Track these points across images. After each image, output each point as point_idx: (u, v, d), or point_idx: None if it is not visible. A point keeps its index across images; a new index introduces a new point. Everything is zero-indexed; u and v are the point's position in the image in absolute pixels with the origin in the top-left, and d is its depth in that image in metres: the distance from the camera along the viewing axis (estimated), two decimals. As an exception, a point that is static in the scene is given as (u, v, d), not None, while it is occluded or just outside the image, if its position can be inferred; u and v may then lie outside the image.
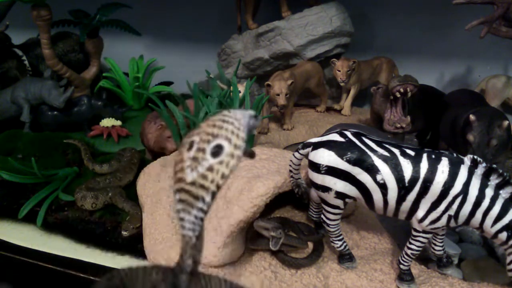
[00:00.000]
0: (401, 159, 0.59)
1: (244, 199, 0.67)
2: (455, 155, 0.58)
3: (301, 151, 0.66)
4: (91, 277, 0.77)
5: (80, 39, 1.39)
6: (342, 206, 0.64)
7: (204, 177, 0.33)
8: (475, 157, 0.57)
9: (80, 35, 1.36)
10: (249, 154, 0.38)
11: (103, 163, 1.05)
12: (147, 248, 0.77)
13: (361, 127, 0.98)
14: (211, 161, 0.33)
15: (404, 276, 0.63)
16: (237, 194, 0.68)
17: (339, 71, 1.22)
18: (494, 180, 0.56)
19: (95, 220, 0.90)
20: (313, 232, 0.74)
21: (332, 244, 0.68)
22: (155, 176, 0.93)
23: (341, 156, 0.60)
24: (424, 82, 1.09)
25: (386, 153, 0.59)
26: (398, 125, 1.00)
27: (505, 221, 0.56)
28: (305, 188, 0.70)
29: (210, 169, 0.33)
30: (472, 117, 0.82)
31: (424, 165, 0.58)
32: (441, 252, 0.67)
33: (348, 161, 0.60)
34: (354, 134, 0.62)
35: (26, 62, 1.40)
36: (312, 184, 0.64)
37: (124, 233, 0.81)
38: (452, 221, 0.58)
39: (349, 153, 0.60)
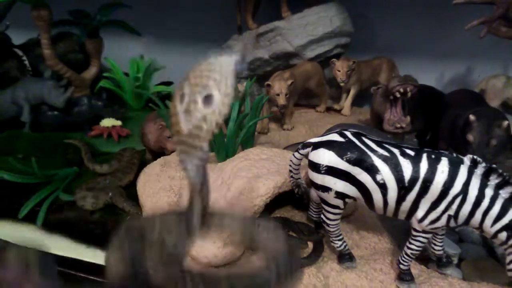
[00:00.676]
0: (401, 159, 0.59)
1: (244, 199, 0.67)
2: (454, 155, 0.58)
3: (301, 151, 0.66)
4: (91, 277, 0.77)
5: (80, 39, 1.39)
6: (342, 206, 0.64)
7: (199, 127, 0.34)
8: (475, 157, 0.57)
9: (80, 35, 1.36)
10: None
11: (103, 163, 1.05)
12: (147, 248, 0.77)
13: (361, 127, 0.98)
14: (203, 111, 0.34)
15: (404, 276, 0.63)
16: (237, 194, 0.68)
17: (339, 71, 1.22)
18: (493, 180, 0.57)
19: (95, 220, 0.90)
20: (313, 232, 0.74)
21: (332, 244, 0.68)
22: (155, 176, 0.93)
23: (341, 156, 0.60)
24: (424, 82, 1.09)
25: (386, 153, 0.59)
26: (398, 125, 1.00)
27: (504, 221, 0.56)
28: (305, 188, 0.70)
29: (204, 119, 0.34)
30: (472, 117, 0.82)
31: (424, 165, 0.58)
32: (441, 252, 0.67)
33: (348, 161, 0.60)
34: (354, 134, 0.62)
35: (26, 62, 1.41)
36: (312, 184, 0.64)
37: (124, 233, 0.81)
38: (452, 221, 0.58)
39: (349, 153, 0.60)
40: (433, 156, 0.58)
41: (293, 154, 0.67)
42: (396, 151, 0.60)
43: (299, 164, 0.68)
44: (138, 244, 0.37)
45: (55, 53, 1.32)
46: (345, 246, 0.67)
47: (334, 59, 1.23)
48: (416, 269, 0.67)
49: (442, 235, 0.66)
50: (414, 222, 0.60)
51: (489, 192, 0.56)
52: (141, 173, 0.99)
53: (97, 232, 0.88)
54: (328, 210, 0.65)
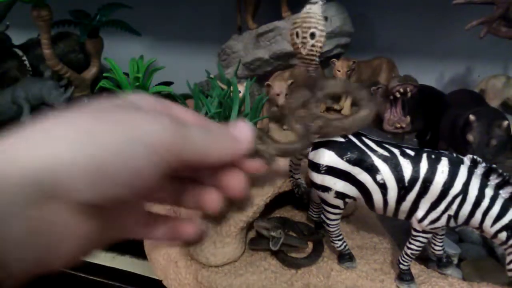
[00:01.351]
0: (401, 159, 0.59)
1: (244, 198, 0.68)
2: (454, 155, 0.58)
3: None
4: (91, 277, 0.77)
5: (80, 39, 1.39)
6: (342, 206, 0.64)
7: (311, 49, 0.67)
8: (475, 157, 0.57)
9: (80, 36, 1.36)
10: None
11: (103, 163, 1.05)
12: (147, 248, 0.77)
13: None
14: (311, 41, 0.65)
15: (404, 275, 0.63)
16: (237, 194, 0.68)
17: (339, 71, 1.22)
18: (493, 180, 0.57)
19: (95, 220, 0.90)
20: (313, 232, 0.74)
21: (332, 244, 0.68)
22: (155, 176, 0.93)
23: (341, 156, 0.60)
24: (424, 82, 1.09)
25: (386, 153, 0.60)
26: (398, 125, 1.00)
27: (504, 221, 0.56)
28: (305, 188, 0.70)
29: (313, 45, 0.65)
30: (471, 117, 0.82)
31: (423, 165, 0.58)
32: (441, 252, 0.67)
33: (348, 161, 0.60)
34: (354, 134, 0.62)
35: (26, 62, 1.41)
36: (312, 184, 0.64)
37: (125, 233, 0.81)
38: (452, 221, 0.58)
39: (349, 153, 0.60)
40: (433, 156, 0.58)
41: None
42: (396, 151, 0.60)
43: (299, 164, 0.68)
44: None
45: (55, 53, 1.32)
46: (345, 246, 0.67)
47: (334, 59, 1.23)
48: (416, 269, 0.67)
49: (442, 235, 0.66)
50: (414, 222, 0.60)
51: (489, 192, 0.56)
52: (141, 173, 0.99)
53: (97, 232, 0.88)
54: (328, 210, 0.65)
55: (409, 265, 0.63)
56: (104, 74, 1.47)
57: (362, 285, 0.64)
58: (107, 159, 0.37)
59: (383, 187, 0.59)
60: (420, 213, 0.59)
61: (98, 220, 0.42)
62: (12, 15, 1.43)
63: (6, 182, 0.33)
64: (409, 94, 0.96)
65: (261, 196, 0.68)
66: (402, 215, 0.61)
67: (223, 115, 1.01)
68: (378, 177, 0.59)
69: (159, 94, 1.49)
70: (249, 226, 0.70)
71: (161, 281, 0.71)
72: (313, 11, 0.60)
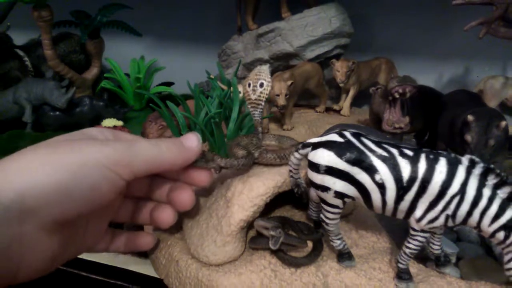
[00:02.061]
0: (400, 159, 0.59)
1: (244, 198, 0.68)
2: (453, 155, 0.59)
3: (301, 151, 0.66)
4: (93, 276, 0.78)
5: (81, 40, 1.39)
6: (341, 205, 0.64)
7: (258, 96, 0.75)
8: (473, 157, 0.58)
9: (81, 36, 1.37)
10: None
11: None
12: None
13: (360, 128, 0.98)
14: (260, 89, 0.75)
15: (403, 274, 0.64)
16: (237, 194, 0.69)
17: (338, 71, 1.22)
18: (491, 180, 0.57)
19: (96, 219, 0.90)
20: (312, 231, 0.75)
21: (331, 243, 0.68)
22: (156, 176, 0.93)
23: (340, 156, 0.61)
24: (423, 83, 1.10)
25: (384, 153, 0.60)
26: (397, 126, 1.01)
27: (502, 220, 0.56)
28: (304, 187, 0.71)
29: (260, 92, 0.74)
30: (470, 117, 0.82)
31: (422, 165, 0.58)
32: (439, 251, 0.67)
33: (347, 161, 0.60)
34: (353, 135, 0.63)
35: (28, 63, 1.41)
36: (312, 184, 0.65)
37: (126, 232, 0.81)
38: (450, 220, 0.59)
39: (348, 153, 0.60)
40: (431, 156, 0.59)
41: (293, 154, 0.68)
42: (394, 151, 0.60)
43: (298, 164, 0.69)
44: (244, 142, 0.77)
45: (57, 54, 1.32)
46: (344, 245, 0.68)
47: (333, 60, 1.24)
48: (414, 268, 0.68)
49: (440, 234, 0.66)
50: (412, 221, 0.61)
51: (487, 192, 0.57)
52: (142, 173, 0.99)
53: (98, 232, 0.88)
54: (327, 210, 0.65)
55: (407, 264, 0.64)
56: (105, 75, 1.47)
57: (361, 284, 0.65)
58: (68, 179, 0.45)
59: (381, 187, 0.59)
60: (418, 212, 0.59)
61: (63, 235, 0.49)
62: (13, 16, 1.43)
63: None
64: (408, 95, 0.97)
65: (261, 196, 0.68)
66: (400, 215, 0.62)
67: (223, 115, 1.02)
68: (377, 177, 0.59)
69: (159, 94, 1.49)
70: (249, 225, 0.71)
71: (162, 279, 0.72)
72: (263, 69, 0.75)
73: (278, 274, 0.66)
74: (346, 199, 0.63)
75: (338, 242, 0.68)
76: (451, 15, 1.25)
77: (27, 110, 1.24)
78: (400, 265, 0.64)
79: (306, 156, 0.66)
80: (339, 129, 0.65)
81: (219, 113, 0.95)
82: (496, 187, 0.57)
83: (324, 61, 1.31)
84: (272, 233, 0.67)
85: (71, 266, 0.80)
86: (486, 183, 0.57)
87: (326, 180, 0.62)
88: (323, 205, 0.66)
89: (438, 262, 0.68)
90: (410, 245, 0.62)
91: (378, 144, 0.61)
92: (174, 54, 1.68)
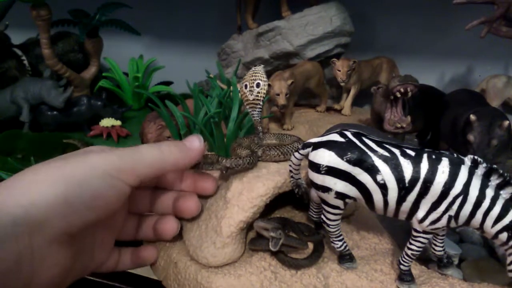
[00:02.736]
0: (402, 159, 0.59)
1: (244, 199, 0.67)
2: (455, 155, 0.58)
3: (301, 151, 0.66)
4: (90, 278, 0.77)
5: (79, 39, 1.39)
6: (342, 206, 0.63)
7: (256, 97, 0.73)
8: (476, 157, 0.57)
9: (80, 35, 1.36)
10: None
11: (102, 163, 1.04)
12: (146, 249, 0.76)
13: (362, 127, 0.98)
14: (257, 89, 0.72)
15: (405, 276, 0.63)
16: (236, 195, 0.68)
17: (339, 71, 1.22)
18: (494, 181, 0.56)
19: (94, 220, 0.90)
20: (313, 233, 0.74)
21: (332, 244, 0.68)
22: (154, 176, 0.93)
23: (341, 156, 0.60)
24: (424, 82, 1.09)
25: (386, 153, 0.59)
26: (399, 125, 1.00)
27: (505, 221, 0.56)
28: (305, 188, 0.70)
29: (258, 93, 0.73)
30: (472, 117, 0.82)
31: (424, 166, 0.57)
32: (442, 253, 0.67)
33: (348, 161, 0.60)
34: (354, 134, 0.62)
35: (25, 62, 1.41)
36: (312, 184, 0.64)
37: (124, 233, 0.81)
38: (453, 221, 0.58)
39: (349, 153, 0.60)
40: (433, 156, 0.58)
41: (293, 154, 0.67)
42: (396, 151, 0.59)
43: (299, 164, 0.68)
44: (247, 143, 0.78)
45: (55, 53, 1.32)
46: (345, 247, 0.67)
47: (334, 59, 1.23)
48: (416, 269, 0.67)
49: (443, 235, 0.65)
50: (414, 222, 0.60)
51: (490, 192, 0.56)
52: (141, 173, 0.99)
53: (97, 232, 0.87)
54: (328, 211, 0.64)
55: (409, 266, 0.63)
56: (103, 74, 1.47)
57: (362, 286, 0.64)
58: (73, 190, 0.46)
59: (383, 187, 0.59)
60: (420, 213, 0.59)
61: (72, 249, 0.50)
62: (11, 15, 1.43)
63: None
64: (409, 94, 0.96)
65: (261, 196, 0.67)
66: (402, 216, 0.61)
67: (223, 115, 1.01)
68: (379, 178, 0.59)
69: (158, 93, 1.49)
70: (249, 226, 0.70)
71: (160, 281, 0.71)
72: (258, 69, 0.74)
73: (278, 276, 0.66)
74: (347, 200, 0.63)
75: (339, 243, 0.67)
76: (452, 14, 1.25)
77: (24, 109, 1.23)
78: (402, 267, 0.63)
79: (306, 156, 0.65)
80: (340, 129, 0.64)
81: (218, 112, 0.94)
82: (499, 187, 0.56)
83: (324, 60, 1.30)
84: (272, 234, 0.66)
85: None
86: (489, 183, 0.56)
87: (327, 181, 0.61)
88: (324, 206, 0.65)
89: (441, 264, 0.68)
90: (412, 247, 0.62)
91: (379, 144, 0.61)
92: (173, 53, 1.68)
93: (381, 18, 1.38)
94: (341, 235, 0.67)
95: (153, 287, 0.71)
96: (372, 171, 0.59)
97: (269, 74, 1.23)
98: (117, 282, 0.75)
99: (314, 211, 0.74)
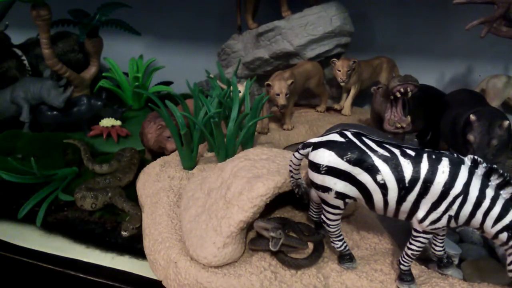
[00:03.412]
0: (402, 159, 0.59)
1: (244, 199, 0.67)
2: (455, 155, 0.58)
3: (301, 151, 0.66)
4: (91, 277, 0.77)
5: (79, 39, 1.38)
6: (342, 206, 0.63)
7: None
8: (476, 157, 0.57)
9: (80, 35, 1.36)
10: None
11: (102, 163, 1.04)
12: (146, 248, 0.76)
13: (362, 127, 0.98)
14: None
15: (405, 276, 0.63)
16: (237, 195, 0.68)
17: (339, 71, 1.22)
18: (494, 181, 0.56)
19: (94, 220, 0.90)
20: (313, 233, 0.74)
21: (332, 244, 0.68)
22: (154, 176, 0.93)
23: (341, 156, 0.60)
24: (424, 82, 1.09)
25: (386, 153, 0.59)
26: (399, 125, 1.00)
27: (505, 221, 0.56)
28: (305, 188, 0.70)
29: None
30: (472, 117, 0.81)
31: (424, 166, 0.57)
32: (442, 253, 0.67)
33: (348, 161, 0.60)
34: (354, 134, 0.62)
35: (25, 62, 1.40)
36: (312, 184, 0.64)
37: (124, 233, 0.81)
38: (453, 221, 0.58)
39: (349, 153, 0.60)
40: (433, 156, 0.58)
41: (293, 154, 0.67)
42: (396, 151, 0.59)
43: (299, 164, 0.68)
44: None
45: (55, 53, 1.31)
46: (345, 247, 0.67)
47: (334, 59, 1.23)
48: (416, 269, 0.67)
49: (443, 235, 0.65)
50: (414, 222, 0.60)
51: (490, 192, 0.56)
52: (141, 173, 0.99)
53: (97, 232, 0.88)
54: (328, 211, 0.64)
55: (409, 266, 0.63)
56: (103, 74, 1.46)
57: (362, 286, 0.64)
58: None
59: (383, 187, 0.59)
60: (420, 213, 0.59)
61: None
62: (11, 15, 1.42)
63: None
64: (409, 94, 0.96)
65: (261, 196, 0.67)
66: (402, 216, 0.61)
67: (223, 115, 1.01)
68: (379, 178, 0.59)
69: (158, 93, 1.48)
70: (249, 226, 0.70)
71: (160, 281, 0.71)
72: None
73: (278, 276, 0.66)
74: (347, 200, 0.63)
75: (339, 243, 0.67)
76: (452, 14, 1.24)
77: (24, 109, 1.23)
78: (402, 267, 0.63)
79: (306, 156, 0.65)
80: (340, 129, 0.64)
81: (218, 112, 0.94)
82: (499, 187, 0.56)
83: (324, 60, 1.30)
84: (272, 234, 0.66)
85: (70, 268, 0.79)
86: (489, 183, 0.56)
87: (327, 181, 0.61)
88: (324, 205, 0.65)
89: (441, 264, 0.68)
90: (412, 247, 0.62)
91: (379, 144, 0.61)
92: (173, 53, 1.67)
93: (381, 18, 1.38)
94: (341, 235, 0.67)
95: (153, 287, 0.71)
96: (372, 171, 0.59)
97: (269, 74, 1.23)
98: (117, 282, 0.75)
99: (314, 211, 0.74)
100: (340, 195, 0.62)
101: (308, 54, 1.27)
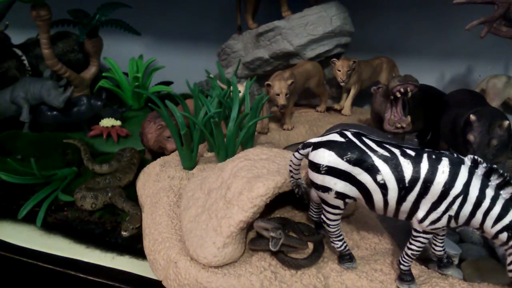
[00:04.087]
0: (402, 159, 0.59)
1: (244, 199, 0.67)
2: (455, 155, 0.58)
3: (301, 151, 0.66)
4: (91, 277, 0.77)
5: (79, 39, 1.38)
6: (342, 206, 0.63)
7: None
8: (476, 157, 0.57)
9: (80, 35, 1.36)
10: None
11: (102, 163, 1.04)
12: (146, 248, 0.76)
13: (362, 127, 0.98)
14: None
15: (405, 276, 0.63)
16: (237, 195, 0.68)
17: (339, 71, 1.22)
18: (494, 181, 0.56)
19: (94, 220, 0.90)
20: (313, 233, 0.74)
21: (332, 244, 0.68)
22: (154, 176, 0.93)
23: (341, 156, 0.60)
24: (424, 82, 1.09)
25: (386, 153, 0.59)
26: (399, 125, 1.00)
27: (505, 221, 0.56)
28: (305, 188, 0.70)
29: None
30: (472, 117, 0.81)
31: (424, 165, 0.57)
32: (442, 253, 0.67)
33: (348, 161, 0.60)
34: (354, 134, 0.62)
35: (25, 62, 1.40)
36: (312, 184, 0.64)
37: (124, 233, 0.81)
38: (453, 221, 0.58)
39: (349, 153, 0.60)
40: (433, 156, 0.58)
41: (293, 154, 0.67)
42: (396, 151, 0.59)
43: (299, 164, 0.68)
44: None
45: (55, 53, 1.32)
46: (345, 247, 0.67)
47: (334, 59, 1.23)
48: (416, 269, 0.67)
49: (443, 235, 0.65)
50: (414, 222, 0.60)
51: (490, 192, 0.56)
52: (141, 173, 0.99)
53: (97, 232, 0.88)
54: (328, 211, 0.64)
55: (409, 266, 0.63)
56: (103, 74, 1.46)
57: (362, 286, 0.64)
58: None
59: (383, 187, 0.59)
60: (420, 213, 0.59)
61: None
62: (11, 15, 1.42)
63: None
64: (409, 94, 0.96)
65: (261, 196, 0.67)
66: (402, 216, 0.61)
67: (223, 115, 1.01)
68: (379, 178, 0.59)
69: (158, 93, 1.48)
70: (249, 226, 0.70)
71: (160, 281, 0.71)
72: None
73: (278, 276, 0.66)
74: (347, 200, 0.63)
75: (339, 243, 0.67)
76: (453, 14, 1.24)
77: (24, 109, 1.23)
78: (402, 267, 0.63)
79: (306, 156, 0.65)
80: (340, 129, 0.64)
81: (218, 112, 0.94)
82: (499, 187, 0.56)
83: (324, 60, 1.30)
84: (272, 234, 0.66)
85: (70, 268, 0.79)
86: (489, 183, 0.56)
87: (327, 181, 0.61)
88: (324, 205, 0.65)
89: (441, 264, 0.68)
90: (412, 247, 0.62)
91: (379, 144, 0.61)
92: (173, 53, 1.67)
93: (381, 18, 1.38)
94: (341, 235, 0.67)
95: (153, 287, 0.71)
96: (372, 171, 0.59)
97: (269, 74, 1.23)
98: (117, 282, 0.75)
99: (314, 211, 0.74)
100: (340, 195, 0.62)
101: (308, 54, 1.27)
